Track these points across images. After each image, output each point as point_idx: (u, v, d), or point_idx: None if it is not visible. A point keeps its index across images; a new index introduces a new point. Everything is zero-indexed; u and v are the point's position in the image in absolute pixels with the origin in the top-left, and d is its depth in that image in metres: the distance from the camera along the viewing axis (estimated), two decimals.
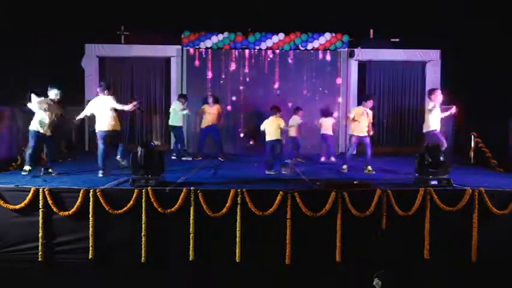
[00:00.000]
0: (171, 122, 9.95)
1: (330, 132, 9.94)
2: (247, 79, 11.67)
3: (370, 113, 8.20)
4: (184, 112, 9.94)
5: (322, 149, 10.04)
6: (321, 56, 11.69)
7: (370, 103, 8.23)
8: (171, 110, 10.04)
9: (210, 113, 9.88)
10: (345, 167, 8.12)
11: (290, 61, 11.67)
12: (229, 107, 11.59)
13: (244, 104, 11.68)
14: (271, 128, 7.87)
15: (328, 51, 11.69)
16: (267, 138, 7.92)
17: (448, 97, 8.64)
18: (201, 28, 11.53)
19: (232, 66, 11.66)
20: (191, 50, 11.58)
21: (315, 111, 10.70)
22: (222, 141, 10.09)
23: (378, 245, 5.83)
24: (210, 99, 9.99)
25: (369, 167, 7.97)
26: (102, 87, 7.47)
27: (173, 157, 9.70)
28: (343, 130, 11.40)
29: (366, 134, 8.08)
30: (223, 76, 11.67)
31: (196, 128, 11.02)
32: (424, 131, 8.05)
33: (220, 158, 9.70)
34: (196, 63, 11.59)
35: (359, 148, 8.36)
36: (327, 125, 9.89)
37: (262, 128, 7.99)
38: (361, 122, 8.03)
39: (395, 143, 12.03)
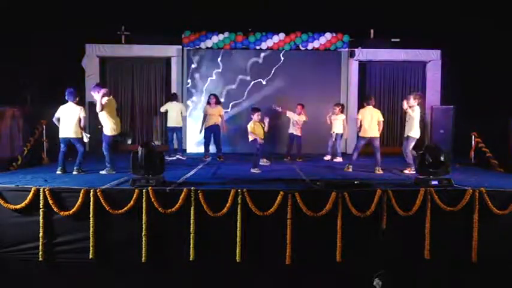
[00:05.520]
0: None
1: (336, 130, 9.93)
2: (248, 79, 11.67)
3: (376, 111, 8.17)
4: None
5: (328, 147, 10.10)
6: (321, 56, 11.67)
7: (372, 102, 8.26)
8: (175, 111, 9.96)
9: (212, 114, 9.79)
10: (350, 166, 8.19)
11: (290, 61, 11.65)
12: (229, 107, 11.61)
13: (244, 104, 11.68)
14: (260, 129, 8.14)
15: (328, 51, 11.69)
16: (252, 138, 8.09)
17: (448, 97, 8.65)
18: (201, 28, 11.54)
19: (233, 66, 11.66)
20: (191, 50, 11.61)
21: (314, 111, 10.69)
22: (221, 142, 10.06)
23: (378, 245, 5.84)
24: (212, 100, 9.81)
25: (378, 168, 7.93)
26: (109, 91, 7.59)
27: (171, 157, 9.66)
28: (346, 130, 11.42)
29: (374, 135, 8.05)
30: (223, 76, 11.67)
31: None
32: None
33: (218, 159, 9.69)
34: (196, 63, 11.62)
35: (367, 149, 8.34)
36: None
37: (249, 127, 8.10)
38: (371, 123, 8.03)
39: (395, 143, 12.04)
